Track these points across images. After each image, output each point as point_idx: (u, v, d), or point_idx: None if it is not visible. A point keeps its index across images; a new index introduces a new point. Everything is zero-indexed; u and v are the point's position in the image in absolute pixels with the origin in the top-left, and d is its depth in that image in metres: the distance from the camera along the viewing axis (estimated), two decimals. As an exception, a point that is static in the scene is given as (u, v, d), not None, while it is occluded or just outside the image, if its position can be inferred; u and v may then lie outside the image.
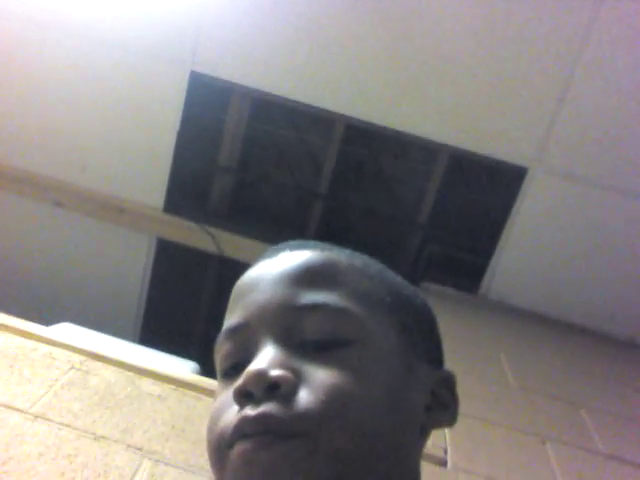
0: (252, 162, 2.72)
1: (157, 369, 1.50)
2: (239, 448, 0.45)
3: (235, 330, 0.52)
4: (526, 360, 2.13)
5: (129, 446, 1.24)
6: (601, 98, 2.29)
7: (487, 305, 2.54)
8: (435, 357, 0.57)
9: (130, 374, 1.46)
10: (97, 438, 1.24)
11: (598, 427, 1.80)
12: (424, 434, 0.53)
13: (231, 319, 0.54)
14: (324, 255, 0.54)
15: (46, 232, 2.74)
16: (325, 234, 2.71)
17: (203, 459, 1.26)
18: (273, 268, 0.54)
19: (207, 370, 1.89)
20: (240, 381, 0.46)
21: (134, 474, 1.18)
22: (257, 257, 0.58)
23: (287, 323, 0.50)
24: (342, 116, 2.49)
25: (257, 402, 0.45)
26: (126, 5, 2.39)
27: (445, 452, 1.45)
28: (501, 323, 2.44)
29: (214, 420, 0.50)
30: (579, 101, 2.30)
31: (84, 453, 1.19)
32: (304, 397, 0.45)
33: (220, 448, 0.48)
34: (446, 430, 1.47)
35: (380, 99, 2.43)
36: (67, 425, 1.25)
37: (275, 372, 0.46)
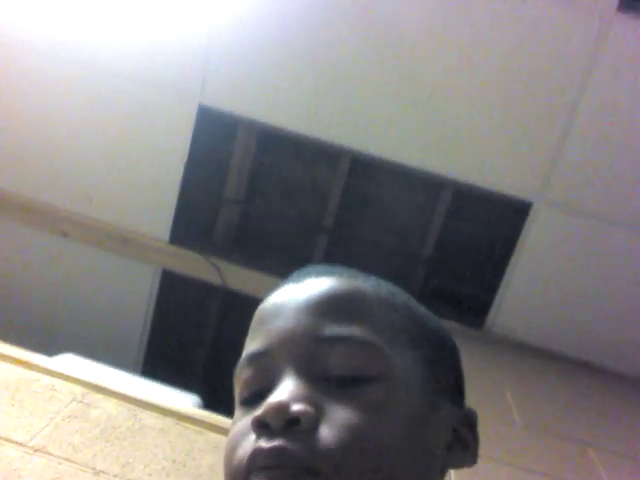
0: (258, 194, 2.74)
1: (159, 402, 1.49)
2: None
3: (257, 357, 0.51)
4: (532, 397, 2.11)
5: (129, 481, 1.22)
6: (605, 132, 2.31)
7: (492, 340, 2.52)
8: (457, 393, 0.55)
9: (132, 407, 1.45)
10: (97, 473, 1.22)
11: (606, 467, 1.76)
12: (443, 473, 0.52)
13: (253, 345, 0.52)
14: (350, 284, 0.53)
15: (51, 262, 2.75)
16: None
17: (204, 496, 1.24)
18: (298, 295, 0.52)
19: (209, 403, 1.87)
20: (260, 412, 0.45)
21: (133, 510, 1.16)
22: (281, 282, 0.57)
23: (310, 354, 0.48)
24: (348, 150, 2.51)
25: (273, 435, 0.44)
26: (136, 38, 2.44)
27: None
28: (506, 358, 2.41)
29: (231, 449, 0.48)
30: (583, 135, 2.32)
31: (83, 488, 1.17)
32: (324, 435, 0.44)
33: (237, 478, 0.47)
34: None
35: (385, 133, 2.45)
36: (67, 459, 1.23)
37: (296, 407, 0.44)
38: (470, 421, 0.54)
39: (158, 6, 2.41)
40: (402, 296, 0.56)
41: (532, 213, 2.43)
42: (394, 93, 2.39)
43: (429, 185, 2.58)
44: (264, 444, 0.44)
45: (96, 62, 2.49)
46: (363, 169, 2.60)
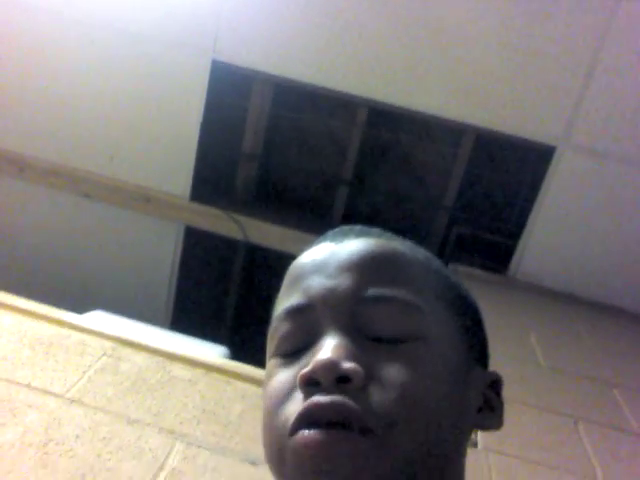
0: (276, 149, 2.73)
1: (187, 354, 1.53)
2: (305, 436, 0.43)
3: (298, 311, 0.50)
4: (557, 340, 2.11)
5: (161, 429, 1.26)
6: (629, 74, 2.23)
7: (516, 286, 2.51)
8: (485, 359, 0.57)
9: (160, 359, 1.49)
10: (130, 422, 1.27)
11: (632, 406, 1.77)
12: (471, 433, 0.53)
13: (292, 299, 0.51)
14: (391, 246, 0.53)
15: (75, 223, 2.79)
16: (351, 218, 2.70)
17: (234, 442, 1.28)
18: (339, 253, 0.52)
19: (237, 354, 1.92)
20: (309, 368, 0.45)
21: (167, 456, 1.20)
22: (317, 238, 0.56)
23: (354, 313, 0.48)
24: (365, 100, 2.47)
25: (325, 392, 0.44)
26: (147, -5, 2.41)
27: (476, 433, 1.45)
28: (531, 304, 2.41)
29: (274, 404, 0.48)
30: (607, 78, 2.25)
31: (118, 436, 1.22)
32: (376, 395, 0.44)
33: (281, 435, 0.46)
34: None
35: (403, 81, 2.40)
36: (101, 409, 1.28)
37: (347, 364, 0.44)
38: (497, 386, 0.56)
39: (167, -42, 2.36)
40: (436, 261, 0.57)
41: (555, 158, 2.39)
42: (410, 40, 2.33)
43: (450, 132, 2.54)
44: (321, 398, 0.44)
45: (109, 23, 2.47)
46: (381, 119, 2.57)
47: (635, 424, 1.69)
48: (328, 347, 0.46)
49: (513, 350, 1.93)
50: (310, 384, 0.45)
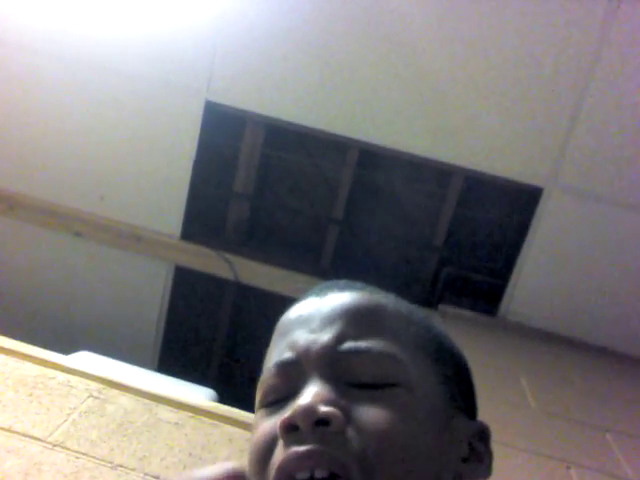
0: (267, 189, 2.74)
1: (174, 396, 1.50)
2: None
3: (285, 365, 0.53)
4: (547, 383, 2.10)
5: (146, 474, 1.24)
6: (614, 116, 2.28)
7: (506, 327, 2.51)
8: (470, 409, 0.57)
9: (147, 402, 1.46)
10: (115, 467, 1.24)
11: (624, 451, 1.75)
12: None
13: (279, 353, 0.54)
14: (372, 299, 0.55)
15: (65, 261, 2.78)
16: (342, 258, 2.71)
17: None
18: (322, 307, 0.55)
19: (225, 397, 1.89)
20: (287, 414, 0.46)
21: (151, 503, 1.17)
22: (304, 294, 0.59)
23: (334, 363, 0.50)
24: (356, 141, 2.51)
25: (303, 439, 0.46)
26: (140, 36, 2.45)
27: None
28: (521, 345, 2.40)
29: (257, 452, 0.50)
30: (592, 120, 2.30)
31: (101, 482, 1.19)
32: (355, 438, 0.46)
33: (262, 470, 0.48)
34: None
35: (393, 123, 2.44)
36: (85, 454, 1.25)
37: (325, 408, 0.46)
38: (484, 435, 0.56)
39: (162, 3, 2.41)
40: (420, 313, 0.59)
41: (543, 199, 2.41)
42: (400, 83, 2.38)
43: (439, 174, 2.57)
44: (299, 448, 0.45)
45: (101, 62, 2.51)
46: (372, 160, 2.60)
47: (628, 470, 1.67)
48: (308, 394, 0.48)
49: (504, 392, 1.91)
50: (289, 430, 0.46)
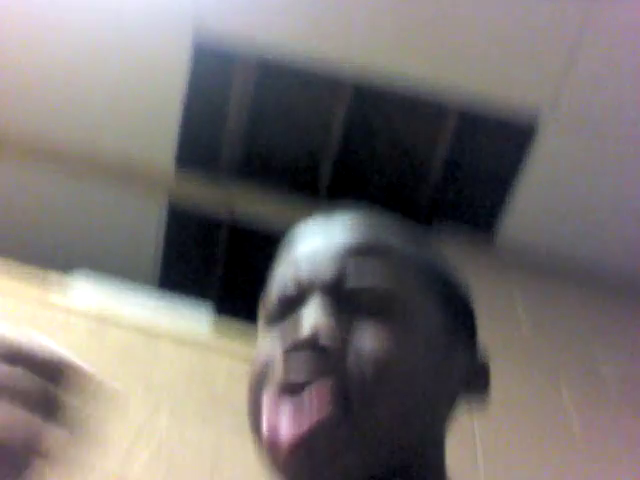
0: (262, 129, 2.70)
1: (174, 330, 1.52)
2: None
3: (288, 299, 0.54)
4: (541, 310, 2.13)
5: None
6: (613, 52, 2.22)
7: (501, 255, 2.53)
8: (472, 341, 0.59)
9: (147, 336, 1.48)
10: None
11: (615, 379, 1.80)
12: (454, 412, 0.55)
13: (284, 285, 0.55)
14: (377, 230, 0.56)
15: (58, 198, 2.77)
16: (337, 189, 2.69)
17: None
18: (328, 244, 0.55)
19: (224, 311, 1.93)
20: (288, 343, 0.49)
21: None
22: (309, 219, 0.60)
23: (337, 298, 0.52)
24: (350, 76, 2.45)
25: (304, 361, 0.48)
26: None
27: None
28: (516, 273, 2.42)
29: (257, 367, 0.52)
30: (592, 54, 2.24)
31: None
32: (354, 364, 0.47)
33: (259, 388, 0.50)
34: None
35: (387, 54, 2.38)
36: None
37: (325, 337, 0.48)
38: (485, 372, 0.57)
39: None
40: (426, 246, 0.60)
41: (541, 128, 2.39)
42: (394, 12, 2.30)
43: (434, 108, 2.52)
44: (299, 359, 0.48)
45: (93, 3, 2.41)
46: (367, 95, 2.55)
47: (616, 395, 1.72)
48: (310, 323, 0.49)
49: (497, 318, 1.94)
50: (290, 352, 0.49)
